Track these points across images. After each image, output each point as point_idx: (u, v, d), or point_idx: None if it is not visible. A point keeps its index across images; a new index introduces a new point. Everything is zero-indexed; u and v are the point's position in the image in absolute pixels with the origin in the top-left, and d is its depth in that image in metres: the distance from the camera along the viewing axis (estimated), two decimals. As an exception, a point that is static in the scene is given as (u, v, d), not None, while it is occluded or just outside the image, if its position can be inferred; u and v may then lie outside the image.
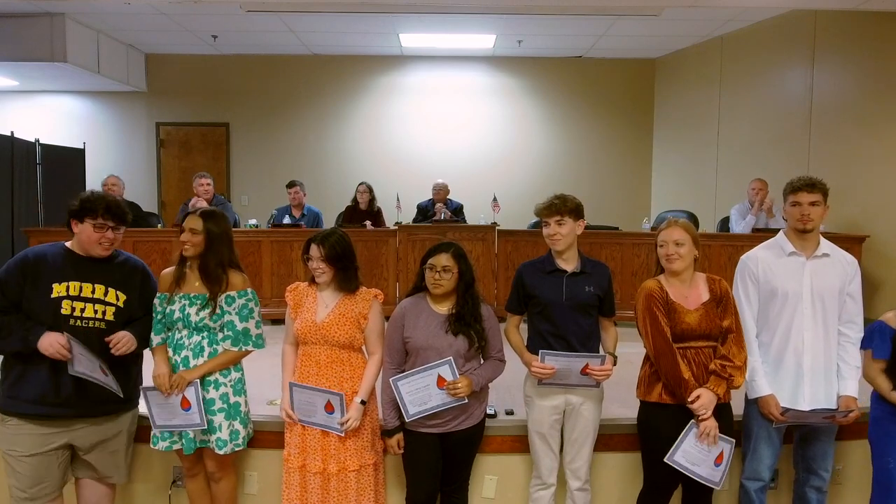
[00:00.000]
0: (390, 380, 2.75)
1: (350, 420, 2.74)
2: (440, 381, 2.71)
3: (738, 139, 7.69)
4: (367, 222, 6.64)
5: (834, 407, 2.84)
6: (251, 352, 2.89)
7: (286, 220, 6.61)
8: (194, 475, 2.97)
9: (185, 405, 2.76)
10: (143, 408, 2.86)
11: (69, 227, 2.71)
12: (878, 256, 5.79)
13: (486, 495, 3.28)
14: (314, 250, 2.79)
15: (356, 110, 9.10)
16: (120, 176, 6.32)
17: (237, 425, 2.87)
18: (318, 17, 7.08)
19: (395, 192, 6.96)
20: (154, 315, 2.85)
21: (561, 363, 2.74)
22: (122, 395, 2.70)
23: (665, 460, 2.65)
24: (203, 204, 5.89)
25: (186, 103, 9.02)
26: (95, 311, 2.68)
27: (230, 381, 2.86)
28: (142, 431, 2.95)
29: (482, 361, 2.87)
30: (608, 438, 3.18)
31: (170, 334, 2.86)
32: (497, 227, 6.18)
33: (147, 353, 2.90)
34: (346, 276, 2.82)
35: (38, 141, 7.57)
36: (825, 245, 2.88)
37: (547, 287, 2.82)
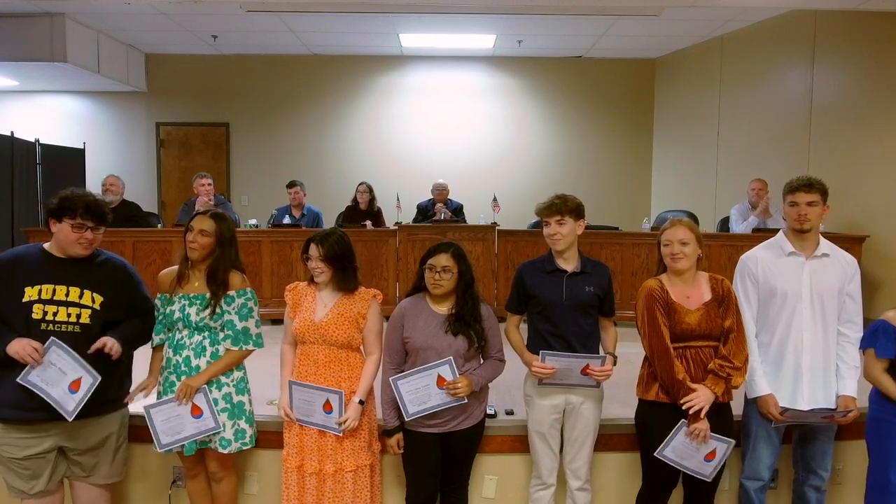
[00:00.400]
0: (390, 379, 2.75)
1: (348, 420, 2.73)
2: (440, 380, 2.71)
3: (738, 139, 7.69)
4: (368, 222, 6.64)
5: (833, 407, 2.84)
6: (252, 351, 2.89)
7: (286, 220, 6.61)
8: (195, 475, 2.97)
9: (196, 412, 2.75)
10: (133, 407, 2.84)
11: (47, 226, 2.66)
12: (878, 256, 5.79)
13: (486, 495, 3.28)
14: (313, 250, 2.79)
15: (356, 110, 9.10)
16: (120, 176, 6.31)
17: (243, 424, 2.87)
18: (318, 17, 7.08)
19: (395, 192, 6.96)
20: (156, 315, 2.85)
21: (561, 363, 2.75)
22: (68, 419, 2.57)
23: (655, 454, 2.68)
24: (211, 203, 5.89)
25: (186, 103, 9.03)
26: (69, 315, 2.60)
27: (232, 380, 2.86)
28: (140, 431, 2.93)
29: (482, 361, 2.87)
30: (608, 438, 3.18)
31: (170, 335, 2.85)
32: (497, 227, 6.18)
33: (139, 355, 2.89)
34: (345, 276, 2.82)
35: (38, 141, 7.57)
36: (824, 245, 2.88)
37: (547, 287, 2.82)
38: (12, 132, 7.20)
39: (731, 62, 7.78)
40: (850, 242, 5.29)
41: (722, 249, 5.69)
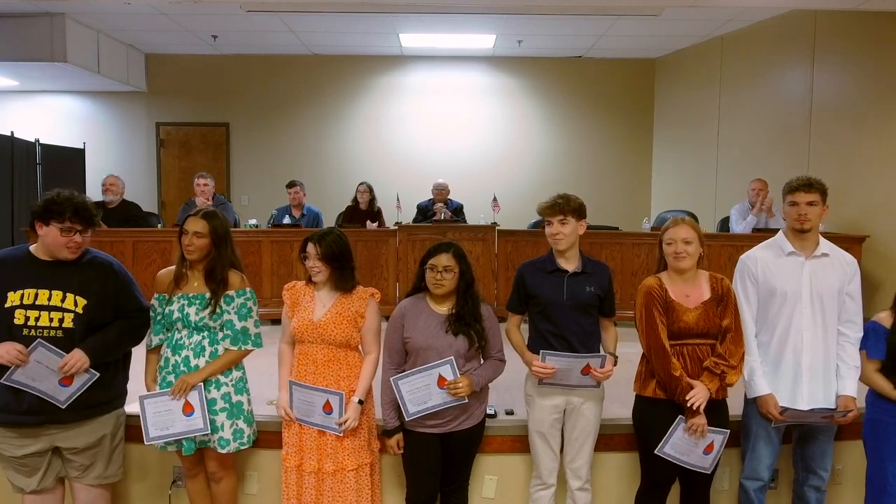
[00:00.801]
0: (391, 379, 2.75)
1: (348, 421, 2.74)
2: (440, 380, 2.72)
3: (738, 139, 7.69)
4: (375, 224, 6.64)
5: (833, 406, 2.84)
6: (251, 351, 2.89)
7: (286, 220, 6.61)
8: (195, 475, 2.97)
9: (188, 410, 2.74)
10: (134, 408, 2.84)
11: (33, 228, 2.61)
12: (878, 256, 5.79)
13: (486, 495, 3.28)
14: (311, 249, 2.79)
15: (356, 110, 9.10)
16: (120, 176, 6.32)
17: (241, 424, 2.86)
18: (318, 17, 7.08)
19: (395, 192, 6.96)
20: (153, 315, 2.84)
21: (562, 363, 2.75)
22: (61, 407, 2.59)
23: (655, 452, 2.71)
24: (210, 203, 5.89)
25: (186, 103, 9.02)
26: (51, 320, 2.56)
27: (231, 380, 2.86)
28: (140, 431, 2.90)
29: (482, 361, 2.87)
30: (608, 438, 3.18)
31: (169, 335, 2.85)
32: (497, 227, 6.18)
33: (136, 353, 2.89)
34: (343, 276, 2.82)
35: (38, 141, 7.57)
36: (824, 245, 2.89)
37: (548, 287, 2.82)
38: (12, 132, 7.20)
39: (731, 62, 7.78)
40: (850, 242, 5.28)
41: (722, 249, 5.69)
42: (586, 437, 2.89)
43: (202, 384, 2.76)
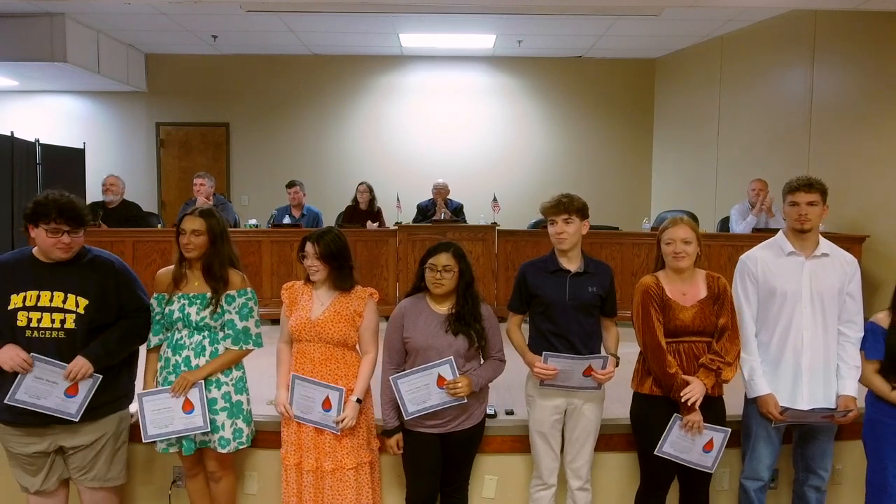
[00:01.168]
0: (390, 378, 2.75)
1: (346, 419, 2.74)
2: (440, 380, 2.72)
3: (738, 139, 7.69)
4: (372, 223, 6.64)
5: (833, 406, 2.84)
6: (252, 350, 2.89)
7: (286, 220, 6.61)
8: (194, 475, 2.97)
9: (188, 407, 2.74)
10: (134, 407, 2.84)
11: (26, 231, 2.62)
12: (878, 256, 5.79)
13: (486, 495, 3.28)
14: (309, 248, 2.79)
15: (356, 110, 9.10)
16: (120, 176, 6.32)
17: (240, 423, 2.87)
18: (318, 17, 7.08)
19: (395, 192, 6.96)
20: (152, 315, 2.84)
21: (563, 364, 2.75)
22: (75, 420, 2.60)
23: (655, 453, 2.72)
24: (209, 203, 5.89)
25: (186, 103, 9.02)
26: (53, 321, 2.56)
27: (231, 379, 2.86)
28: (137, 431, 2.89)
29: (482, 361, 2.87)
30: (609, 438, 3.18)
31: (168, 335, 2.85)
32: (497, 227, 6.18)
33: (142, 352, 2.88)
34: (341, 275, 2.82)
35: (38, 141, 7.56)
36: (824, 245, 2.89)
37: (550, 287, 2.82)
38: (12, 132, 7.19)
39: (731, 62, 7.78)
40: (850, 242, 5.28)
41: (722, 249, 5.70)
42: (587, 438, 2.89)
43: (203, 382, 2.77)
